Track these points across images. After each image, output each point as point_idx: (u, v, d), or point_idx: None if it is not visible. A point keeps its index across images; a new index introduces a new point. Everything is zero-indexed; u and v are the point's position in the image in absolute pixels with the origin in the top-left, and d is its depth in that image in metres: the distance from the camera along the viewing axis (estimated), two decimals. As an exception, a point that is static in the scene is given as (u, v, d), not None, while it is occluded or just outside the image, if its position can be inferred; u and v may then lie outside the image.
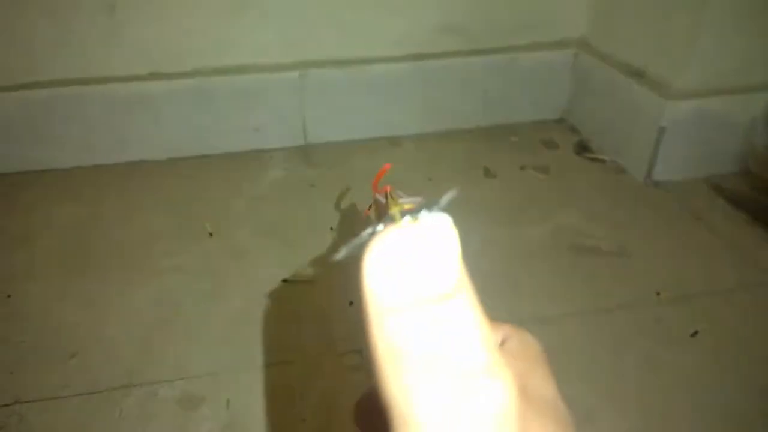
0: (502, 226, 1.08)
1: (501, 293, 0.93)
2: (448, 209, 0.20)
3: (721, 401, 0.75)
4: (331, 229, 1.08)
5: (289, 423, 0.73)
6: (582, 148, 1.33)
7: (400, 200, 0.33)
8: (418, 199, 0.33)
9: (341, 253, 0.23)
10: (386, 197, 0.37)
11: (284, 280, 0.96)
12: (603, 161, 1.28)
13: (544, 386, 0.21)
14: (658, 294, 0.93)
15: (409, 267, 0.17)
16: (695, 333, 0.86)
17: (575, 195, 1.17)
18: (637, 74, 1.22)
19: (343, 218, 1.10)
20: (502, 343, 0.24)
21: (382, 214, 0.35)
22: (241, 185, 1.21)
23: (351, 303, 0.91)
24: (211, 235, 1.07)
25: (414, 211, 0.20)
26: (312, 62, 1.27)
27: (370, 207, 0.41)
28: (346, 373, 0.79)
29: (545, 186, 1.20)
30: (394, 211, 0.31)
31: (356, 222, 1.06)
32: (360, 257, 0.22)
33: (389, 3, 1.25)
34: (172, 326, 0.87)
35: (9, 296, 0.93)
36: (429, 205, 0.20)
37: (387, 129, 1.37)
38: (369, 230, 0.25)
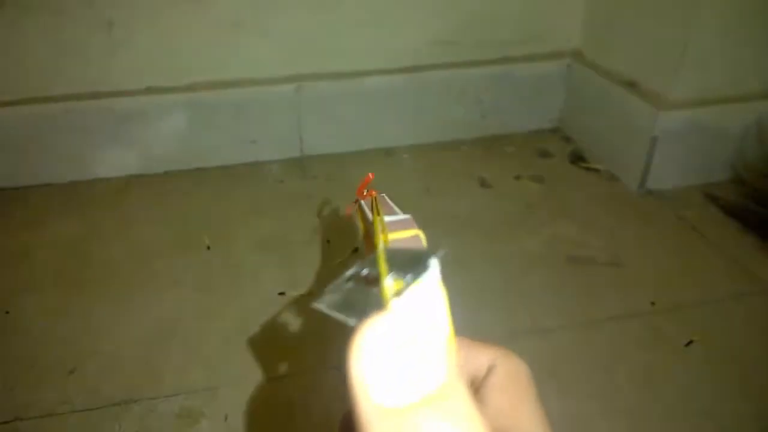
0: (498, 237, 1.09)
1: (496, 304, 0.93)
2: (440, 267, 0.20)
3: (715, 409, 0.76)
4: (328, 241, 1.08)
5: (288, 437, 0.73)
6: (576, 157, 1.34)
7: (387, 218, 0.33)
8: (406, 217, 0.33)
9: (323, 303, 0.23)
10: (373, 204, 0.37)
11: (281, 293, 0.96)
12: (597, 170, 1.29)
13: (531, 425, 0.21)
14: (652, 304, 0.93)
15: (399, 361, 0.16)
16: (690, 343, 0.86)
17: (570, 205, 1.18)
18: (630, 85, 1.23)
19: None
20: (488, 373, 0.24)
21: (366, 224, 0.35)
22: (238, 198, 1.22)
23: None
24: (208, 248, 1.07)
25: (402, 267, 0.20)
26: (308, 75, 1.29)
27: (356, 201, 0.40)
28: (343, 387, 0.80)
29: (540, 196, 1.21)
30: (377, 230, 0.31)
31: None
32: (342, 314, 0.22)
33: (384, 16, 1.27)
34: (170, 340, 0.88)
35: (7, 312, 0.93)
36: (418, 264, 0.20)
37: (383, 140, 1.38)
38: (349, 272, 0.25)
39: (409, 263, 0.21)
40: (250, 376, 0.82)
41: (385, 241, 0.29)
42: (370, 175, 0.41)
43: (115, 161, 1.27)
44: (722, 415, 0.75)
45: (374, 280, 0.23)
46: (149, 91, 1.23)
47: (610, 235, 1.09)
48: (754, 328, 0.89)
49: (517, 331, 0.88)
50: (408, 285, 0.19)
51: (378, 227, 0.31)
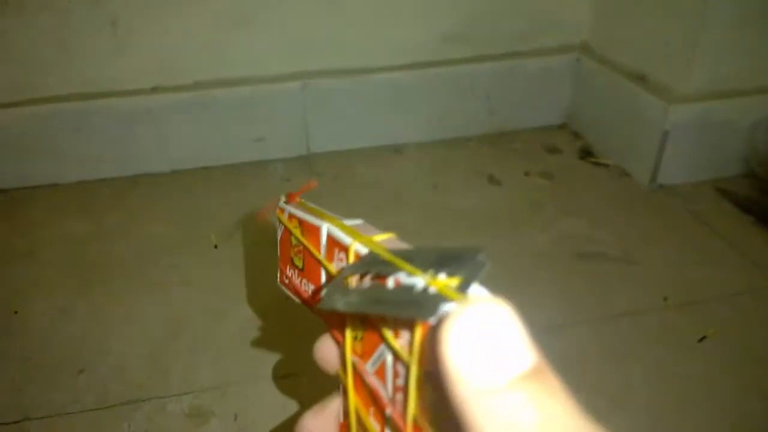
0: (507, 233, 1.08)
1: (505, 301, 0.92)
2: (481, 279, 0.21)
3: (730, 406, 0.75)
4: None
5: (298, 436, 0.72)
6: (586, 153, 1.33)
7: (348, 222, 0.32)
8: (359, 221, 0.32)
9: (339, 303, 0.23)
10: (307, 209, 0.36)
11: (290, 292, 0.96)
12: (607, 166, 1.28)
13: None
14: (665, 300, 0.92)
15: (491, 346, 0.18)
16: (703, 338, 0.85)
17: (579, 200, 1.17)
18: (640, 78, 1.22)
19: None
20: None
21: (304, 228, 0.34)
22: (245, 196, 1.21)
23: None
24: (216, 247, 1.07)
25: (460, 285, 0.20)
26: (314, 72, 1.28)
27: (277, 204, 0.39)
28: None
29: (549, 192, 1.20)
30: (333, 223, 0.30)
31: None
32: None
33: (390, 12, 1.26)
34: (179, 339, 0.87)
35: (16, 312, 0.93)
36: (467, 276, 0.20)
37: (390, 137, 1.37)
38: (344, 272, 0.25)
39: (448, 261, 0.21)
40: (259, 374, 0.81)
41: (367, 242, 0.28)
42: (313, 183, 0.40)
43: (121, 161, 1.27)
44: (736, 412, 0.74)
45: (385, 277, 0.23)
46: (155, 90, 1.23)
47: (621, 230, 1.08)
48: (767, 322, 0.88)
49: (530, 329, 0.87)
50: (468, 280, 0.20)
51: (338, 225, 0.30)
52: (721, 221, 1.10)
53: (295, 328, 0.89)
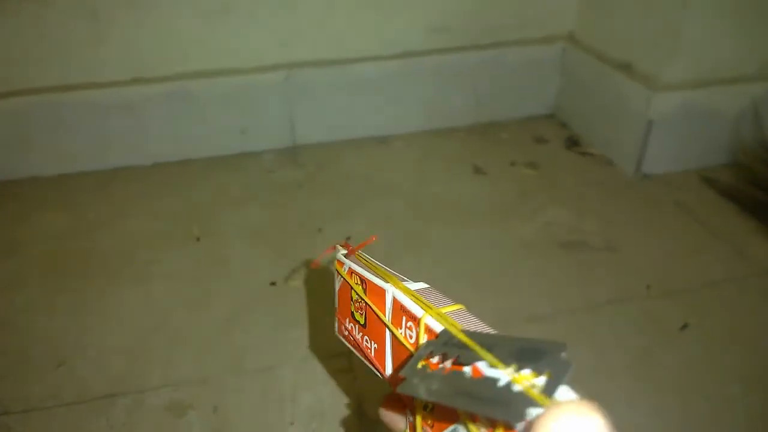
0: (492, 223, 1.07)
1: (490, 291, 0.92)
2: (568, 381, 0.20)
3: (711, 392, 0.75)
4: (320, 230, 1.07)
5: (278, 427, 0.72)
6: (572, 142, 1.32)
7: (412, 286, 0.32)
8: (424, 286, 0.32)
9: (420, 390, 0.23)
10: (368, 265, 0.36)
11: (273, 284, 0.95)
12: (593, 155, 1.27)
13: None
14: (647, 288, 0.92)
15: None
16: (685, 326, 0.85)
17: (565, 190, 1.17)
18: (625, 67, 1.21)
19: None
20: None
21: (369, 290, 0.34)
22: (228, 188, 1.20)
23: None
24: (198, 239, 1.06)
25: (546, 388, 0.20)
26: (298, 62, 1.27)
27: (344, 245, 0.40)
28: (335, 376, 0.79)
29: (535, 182, 1.20)
30: (398, 287, 0.31)
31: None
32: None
33: (376, 1, 1.25)
34: (159, 333, 0.86)
35: (-6, 306, 0.92)
36: (553, 376, 0.20)
37: (376, 128, 1.36)
38: (420, 352, 0.25)
39: (530, 355, 0.21)
40: (239, 367, 0.80)
41: (439, 317, 0.28)
42: (373, 237, 0.40)
43: (101, 154, 1.26)
44: (718, 398, 0.74)
45: (461, 364, 0.23)
46: (135, 81, 1.21)
47: (606, 220, 1.08)
48: (749, 310, 0.88)
49: (511, 318, 0.87)
50: (555, 381, 0.20)
51: (417, 299, 0.30)
52: (705, 210, 1.10)
53: (275, 321, 0.88)
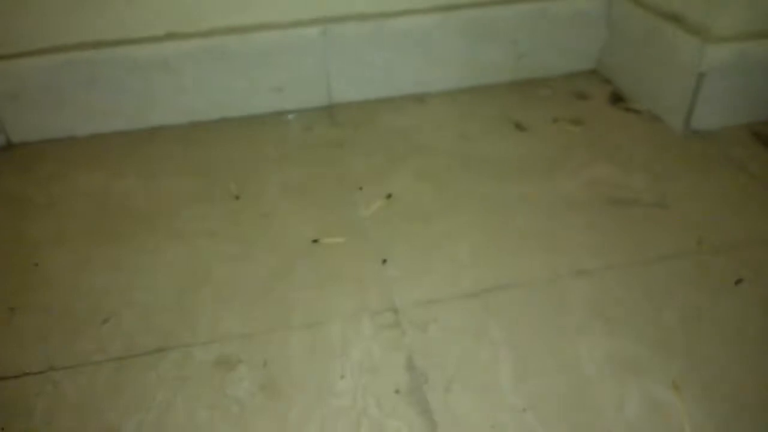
0: (536, 181, 1.04)
1: (537, 248, 0.89)
2: None
3: (766, 349, 0.72)
4: (360, 188, 1.05)
5: (328, 381, 0.71)
6: (616, 98, 1.27)
7: None
8: None
9: None
10: None
11: (315, 241, 0.94)
12: (639, 112, 1.23)
13: None
14: (699, 243, 0.89)
15: None
16: (739, 281, 0.82)
17: (611, 147, 1.13)
18: (675, 19, 1.15)
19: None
20: None
21: None
22: (265, 147, 1.18)
23: (384, 261, 0.89)
24: (237, 197, 1.04)
25: None
26: (334, 17, 1.23)
27: None
28: (383, 331, 0.77)
29: (579, 139, 1.16)
30: None
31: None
32: None
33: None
34: (203, 289, 0.86)
35: (36, 264, 0.92)
36: None
37: (414, 86, 1.33)
38: None
39: None
40: (286, 322, 0.79)
41: None
42: None
43: (138, 113, 1.24)
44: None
45: None
46: (170, 36, 1.19)
47: (654, 176, 1.04)
48: (813, 267, 0.84)
49: (559, 274, 0.85)
50: None
51: None
52: (757, 165, 1.05)
53: (319, 277, 0.87)
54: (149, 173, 1.12)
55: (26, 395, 0.71)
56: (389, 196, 1.02)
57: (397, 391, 0.69)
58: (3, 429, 0.68)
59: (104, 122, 1.24)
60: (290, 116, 1.28)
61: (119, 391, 0.71)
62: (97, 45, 1.17)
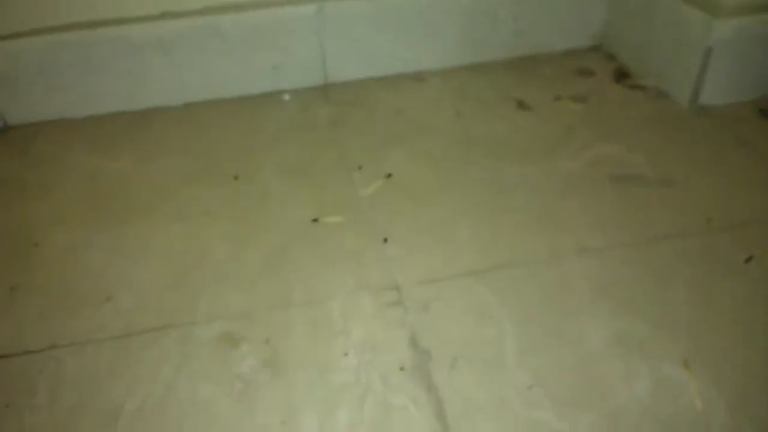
0: (538, 160, 1.03)
1: (540, 227, 0.88)
2: None
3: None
4: (359, 168, 1.03)
5: (332, 358, 0.70)
6: (621, 75, 1.26)
7: None
8: None
9: None
10: None
11: (314, 220, 0.92)
12: (644, 88, 1.21)
13: None
14: (708, 221, 0.88)
15: None
16: (749, 259, 0.81)
17: (615, 124, 1.11)
18: (681, -8, 1.13)
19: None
20: None
21: None
22: (262, 127, 1.17)
23: (385, 240, 0.88)
24: (236, 177, 1.03)
25: None
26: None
27: None
28: (385, 309, 0.76)
29: (582, 116, 1.14)
30: None
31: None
32: None
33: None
34: (204, 268, 0.85)
35: (36, 244, 0.91)
36: None
37: (411, 64, 1.31)
38: None
39: None
40: (287, 301, 0.79)
41: None
42: None
43: (132, 94, 1.22)
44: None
45: None
46: (165, 16, 1.16)
47: (659, 153, 1.03)
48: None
49: (562, 254, 0.84)
50: None
51: None
52: (765, 142, 1.04)
53: (320, 256, 0.86)
54: (146, 154, 1.10)
55: (30, 373, 0.71)
56: (389, 175, 1.01)
57: (401, 369, 0.69)
58: (8, 406, 0.67)
59: (99, 103, 1.22)
60: (286, 96, 1.26)
61: (122, 369, 0.71)
62: (91, 25, 1.15)
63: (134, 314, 0.78)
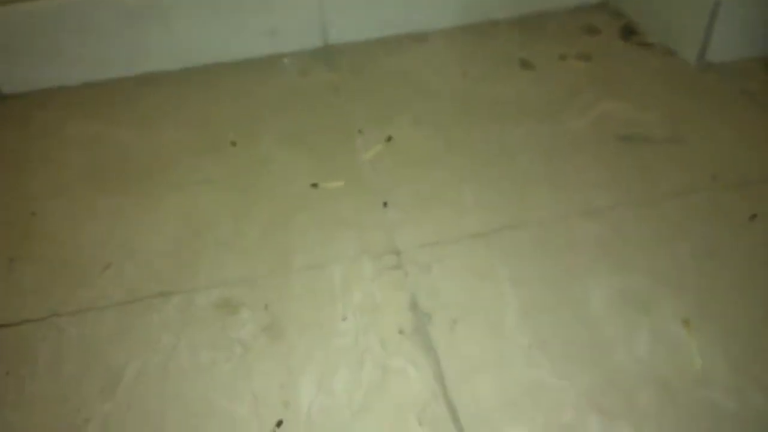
0: (543, 119, 1.01)
1: (544, 188, 0.87)
2: None
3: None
4: (360, 132, 1.02)
5: (330, 322, 0.70)
6: (628, 32, 1.22)
7: None
8: None
9: None
10: None
11: (314, 185, 0.91)
12: (651, 45, 1.17)
13: None
14: (714, 178, 0.86)
15: None
16: (754, 216, 0.80)
17: (621, 82, 1.08)
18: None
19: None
20: None
21: None
22: (260, 92, 1.15)
23: (385, 204, 0.87)
24: (234, 144, 1.02)
25: None
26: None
27: None
28: (385, 273, 0.76)
29: (588, 75, 1.11)
30: None
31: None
32: None
33: None
34: (203, 235, 0.84)
35: (33, 214, 0.91)
36: None
37: (412, 25, 1.28)
38: None
39: None
40: (287, 267, 0.78)
41: None
42: None
43: (129, 60, 1.20)
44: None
45: None
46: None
47: (666, 111, 1.00)
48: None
49: (569, 213, 0.83)
50: None
51: None
52: (775, 98, 1.01)
53: (319, 221, 0.85)
54: (144, 122, 1.09)
55: (31, 341, 0.72)
56: (389, 138, 0.99)
57: (400, 332, 0.68)
58: (8, 373, 0.68)
59: (96, 70, 1.20)
60: (285, 60, 1.24)
61: (123, 335, 0.71)
62: (85, -11, 1.13)
63: (135, 282, 0.78)
